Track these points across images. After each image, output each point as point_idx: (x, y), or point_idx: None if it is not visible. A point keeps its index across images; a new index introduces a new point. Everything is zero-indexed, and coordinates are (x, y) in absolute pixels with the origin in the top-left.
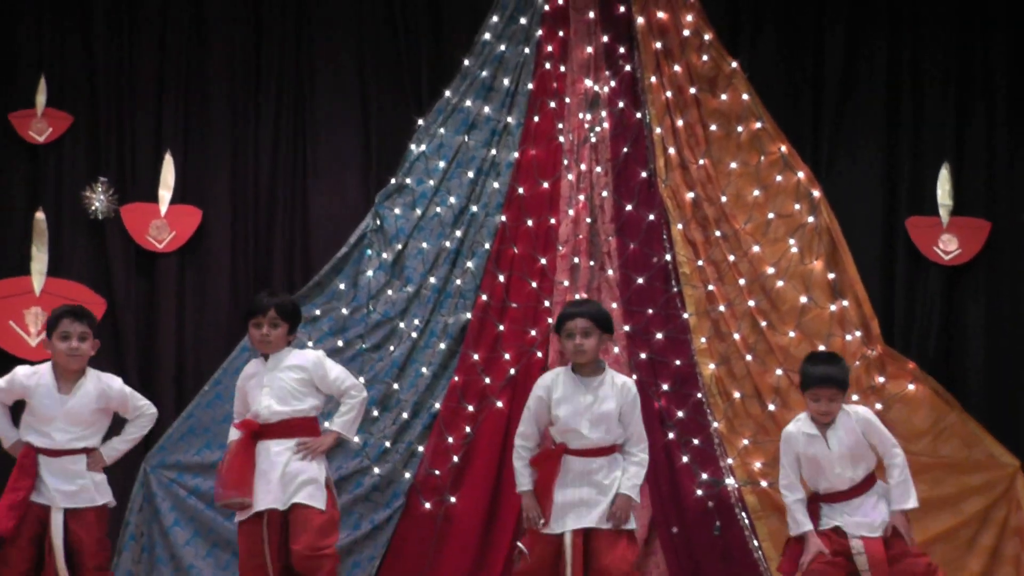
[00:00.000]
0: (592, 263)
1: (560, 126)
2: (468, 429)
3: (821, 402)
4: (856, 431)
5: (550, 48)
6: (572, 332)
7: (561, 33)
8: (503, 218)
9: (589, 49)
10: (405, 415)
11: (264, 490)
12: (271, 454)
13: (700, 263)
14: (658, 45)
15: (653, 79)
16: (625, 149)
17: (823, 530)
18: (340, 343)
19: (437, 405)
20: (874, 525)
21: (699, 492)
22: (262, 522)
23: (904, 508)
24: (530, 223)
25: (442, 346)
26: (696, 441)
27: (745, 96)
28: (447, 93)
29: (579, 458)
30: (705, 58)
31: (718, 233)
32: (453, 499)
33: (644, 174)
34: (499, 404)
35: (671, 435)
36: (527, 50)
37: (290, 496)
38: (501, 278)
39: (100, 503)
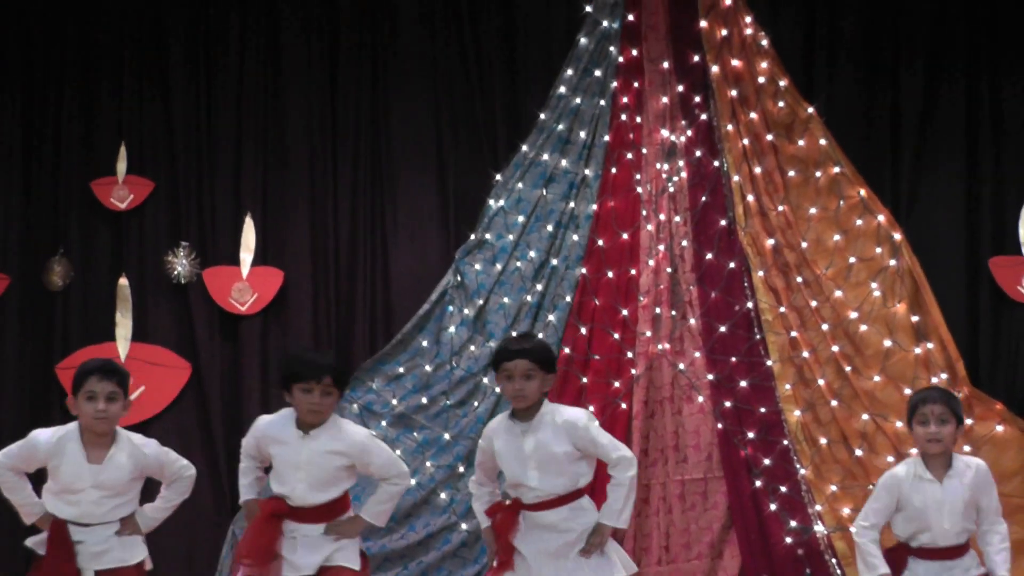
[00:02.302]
0: (674, 313)
1: (638, 177)
2: None
3: (929, 424)
4: (973, 484)
5: (625, 99)
6: (511, 374)
7: (636, 84)
8: (583, 270)
9: (664, 99)
10: None
11: (289, 562)
12: (300, 532)
13: (782, 309)
14: (733, 93)
15: (729, 127)
16: (704, 198)
17: None
18: (424, 400)
19: None
20: None
21: (788, 540)
22: None
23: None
24: (611, 275)
25: None
26: (784, 488)
27: (822, 141)
28: (524, 147)
29: (537, 513)
30: (781, 104)
31: (799, 279)
32: None
33: (723, 222)
34: None
35: (758, 483)
36: (602, 102)
37: (321, 558)
38: (583, 331)
39: (133, 563)
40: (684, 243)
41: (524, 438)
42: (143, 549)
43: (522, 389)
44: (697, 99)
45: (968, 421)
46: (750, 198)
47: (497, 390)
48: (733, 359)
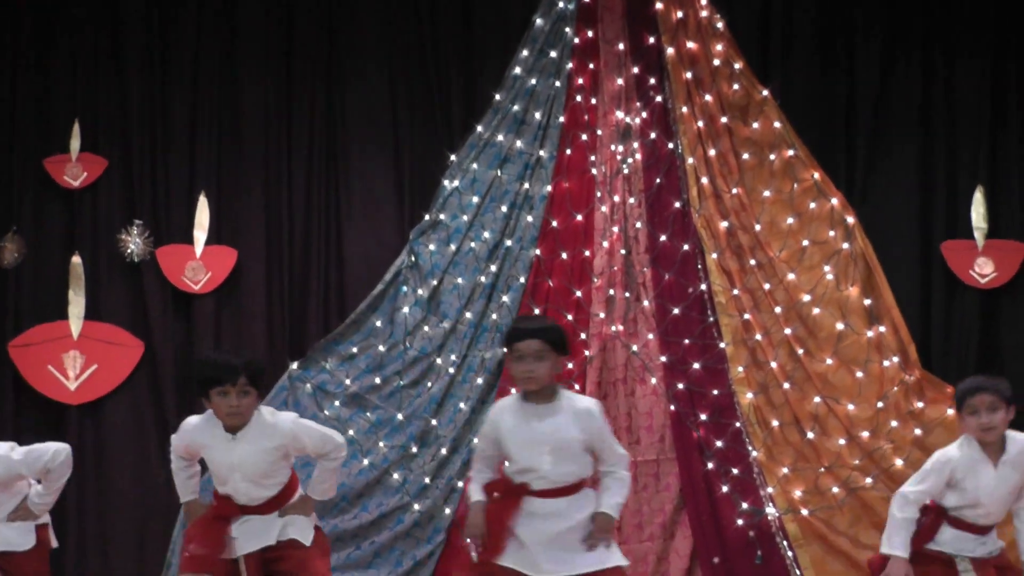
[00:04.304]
0: (627, 294)
1: (592, 158)
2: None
3: (980, 414)
4: (1022, 464)
5: (581, 81)
6: (522, 355)
7: (591, 65)
8: (538, 251)
9: (620, 81)
10: (444, 451)
11: (244, 538)
12: (253, 521)
13: (736, 292)
14: (688, 75)
15: (684, 109)
16: (658, 180)
17: (932, 550)
18: (378, 380)
19: (476, 440)
20: (988, 550)
21: (740, 522)
22: (232, 561)
23: None
24: (565, 256)
25: (480, 381)
26: (735, 470)
27: (777, 124)
28: (479, 128)
29: (543, 500)
30: (736, 87)
31: (753, 262)
32: None
33: (677, 204)
34: None
35: (710, 465)
36: (558, 83)
37: (277, 533)
38: (537, 311)
39: (26, 548)
40: (638, 225)
41: (540, 421)
42: (33, 536)
43: (532, 371)
44: (652, 81)
45: (919, 404)
46: (704, 180)
47: (451, 371)
48: (686, 341)
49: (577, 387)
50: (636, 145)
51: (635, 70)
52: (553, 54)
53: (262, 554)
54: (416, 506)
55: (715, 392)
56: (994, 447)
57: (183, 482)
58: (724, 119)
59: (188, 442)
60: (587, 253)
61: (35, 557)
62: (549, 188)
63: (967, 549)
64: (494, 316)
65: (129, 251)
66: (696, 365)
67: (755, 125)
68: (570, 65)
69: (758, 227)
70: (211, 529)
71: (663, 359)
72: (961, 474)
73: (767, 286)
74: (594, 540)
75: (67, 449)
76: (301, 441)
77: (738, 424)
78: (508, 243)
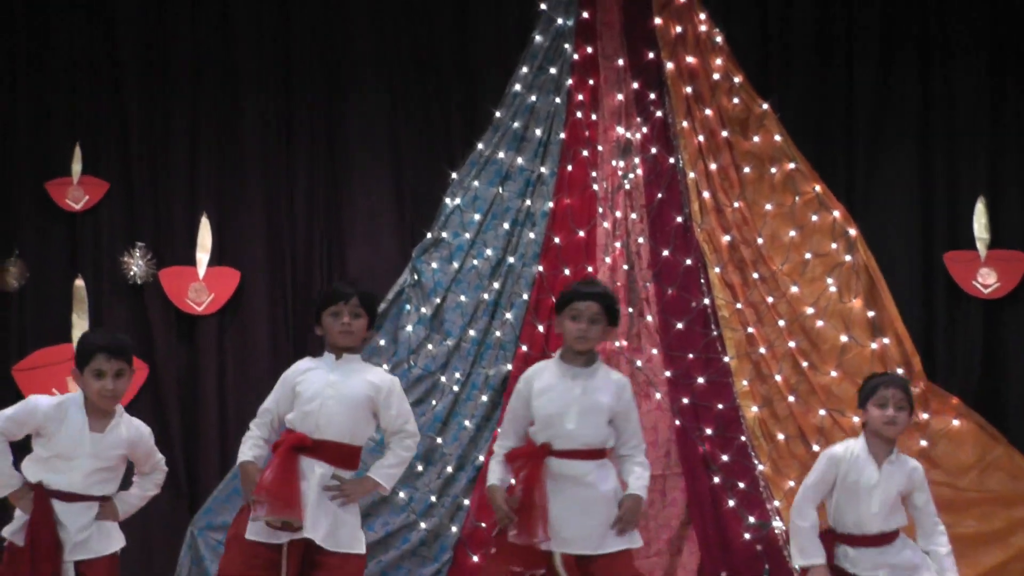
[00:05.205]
0: (631, 310)
1: (594, 174)
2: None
3: (888, 407)
4: (911, 479)
5: (581, 97)
6: (579, 314)
7: (591, 81)
8: (540, 268)
9: (620, 96)
10: (450, 469)
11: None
12: (314, 475)
13: (739, 306)
14: (688, 90)
15: (685, 124)
16: (659, 195)
17: (840, 567)
18: None
19: (481, 457)
20: (899, 567)
21: (747, 535)
22: (276, 548)
23: None
24: (567, 272)
25: (484, 398)
26: (742, 484)
27: (777, 137)
28: (480, 145)
29: (565, 461)
30: (736, 101)
31: (756, 275)
32: None
33: (679, 219)
34: None
35: (716, 479)
36: (558, 99)
37: (325, 532)
38: (540, 328)
39: (110, 552)
40: (640, 240)
41: (574, 381)
42: (121, 538)
43: (587, 331)
44: (652, 96)
45: (924, 416)
46: (706, 195)
47: (455, 388)
48: (690, 355)
49: None
50: (637, 160)
51: (635, 85)
52: (553, 71)
53: (305, 546)
54: (422, 525)
55: (720, 406)
56: (883, 448)
57: (249, 447)
58: (724, 133)
59: (290, 374)
60: (590, 269)
61: (115, 563)
62: (551, 204)
63: (873, 565)
64: (497, 333)
65: (132, 273)
66: (700, 379)
67: (755, 139)
68: (570, 81)
69: (760, 240)
70: (284, 467)
71: (667, 374)
72: (846, 468)
73: (770, 299)
74: (625, 524)
75: (167, 468)
76: (391, 401)
77: (743, 438)
78: (510, 260)
